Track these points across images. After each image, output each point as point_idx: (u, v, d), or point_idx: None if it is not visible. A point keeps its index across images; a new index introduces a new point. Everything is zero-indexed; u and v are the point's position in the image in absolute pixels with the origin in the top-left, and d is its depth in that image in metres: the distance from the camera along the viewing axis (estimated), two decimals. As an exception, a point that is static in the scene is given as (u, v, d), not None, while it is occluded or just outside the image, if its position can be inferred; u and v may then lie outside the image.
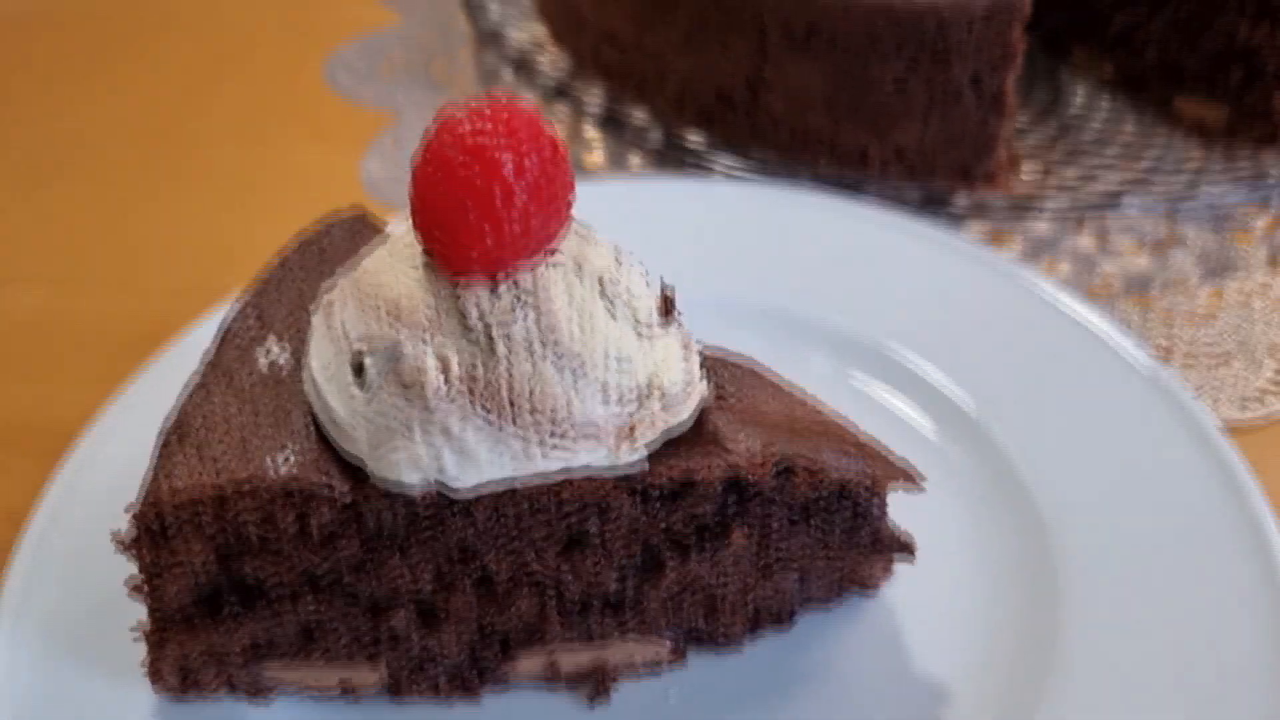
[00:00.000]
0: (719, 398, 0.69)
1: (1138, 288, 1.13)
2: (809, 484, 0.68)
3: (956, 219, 1.15)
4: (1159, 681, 0.74)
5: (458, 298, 0.61)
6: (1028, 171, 1.21)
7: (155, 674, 0.73)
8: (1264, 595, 0.77)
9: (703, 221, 1.06)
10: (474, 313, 0.61)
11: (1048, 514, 0.85)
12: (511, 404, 0.60)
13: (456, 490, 0.62)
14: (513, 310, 0.61)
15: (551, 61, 1.36)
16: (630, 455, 0.64)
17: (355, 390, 0.62)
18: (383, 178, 1.30)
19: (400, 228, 0.67)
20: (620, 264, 0.66)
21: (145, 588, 0.68)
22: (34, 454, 0.95)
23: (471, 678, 0.76)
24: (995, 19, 1.08)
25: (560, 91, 1.32)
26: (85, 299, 1.15)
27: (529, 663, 0.76)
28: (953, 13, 1.08)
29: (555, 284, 0.62)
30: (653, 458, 0.66)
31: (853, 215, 1.07)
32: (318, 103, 1.44)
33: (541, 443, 0.61)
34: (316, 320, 0.66)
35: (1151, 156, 1.23)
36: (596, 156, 1.28)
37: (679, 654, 0.78)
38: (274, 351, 0.71)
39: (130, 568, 0.71)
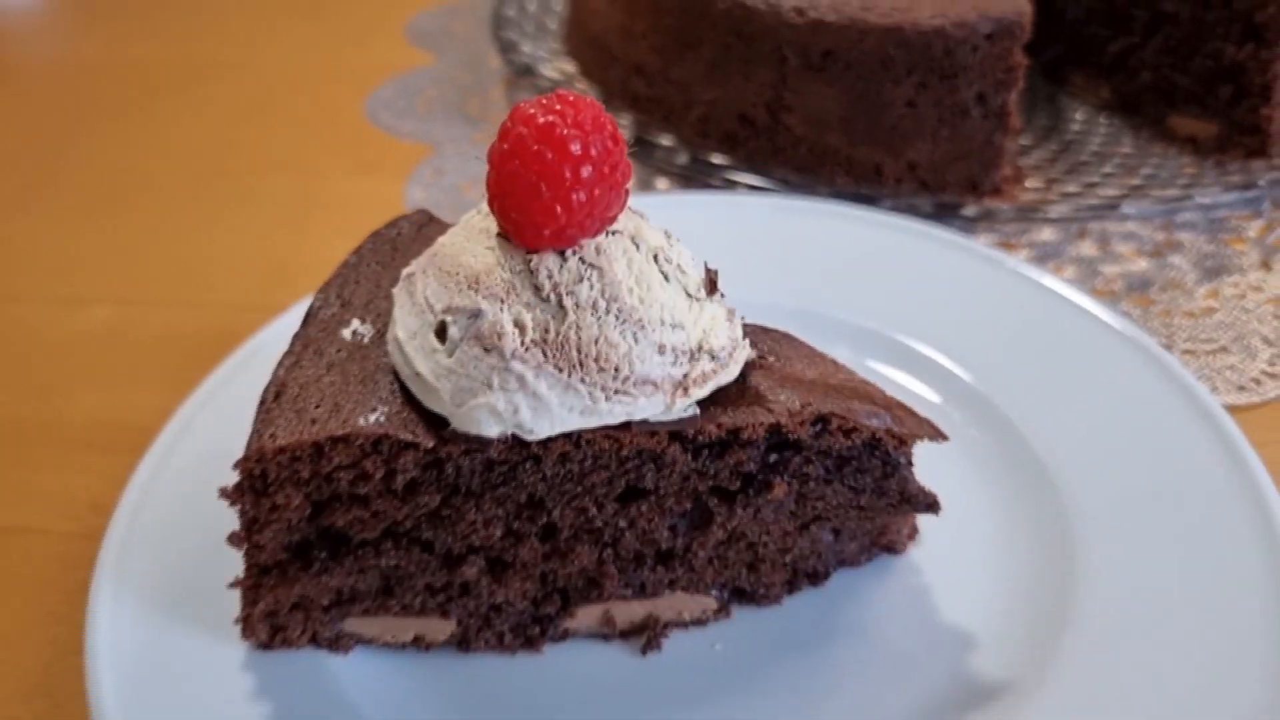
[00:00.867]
0: (760, 362, 0.77)
1: (1138, 288, 1.20)
2: (843, 436, 0.75)
3: (966, 228, 1.23)
4: (1167, 628, 0.80)
5: (530, 268, 0.69)
6: (1032, 185, 1.29)
7: (247, 627, 0.80)
8: (1262, 548, 0.83)
9: (732, 232, 1.14)
10: (545, 280, 0.68)
11: (1061, 481, 0.91)
12: (579, 359, 0.68)
13: (531, 434, 0.69)
14: (580, 277, 0.68)
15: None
16: (684, 407, 0.72)
17: (439, 352, 0.69)
18: (425, 202, 1.38)
19: (470, 215, 0.75)
20: (671, 242, 0.74)
21: (244, 538, 0.75)
22: (113, 451, 1.03)
23: (534, 631, 0.83)
24: (998, 41, 1.17)
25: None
26: (154, 315, 1.23)
27: (586, 616, 0.83)
28: (958, 36, 1.17)
29: (616, 254, 0.69)
30: (703, 413, 0.73)
31: (866, 222, 1.15)
32: (361, 137, 1.54)
33: (606, 394, 0.69)
34: (399, 295, 0.74)
35: (1148, 168, 1.31)
36: (626, 180, 1.36)
37: (724, 609, 0.85)
38: (357, 328, 0.78)
39: (216, 533, 0.79)
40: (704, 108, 1.32)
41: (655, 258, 0.71)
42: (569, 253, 0.69)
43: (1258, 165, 1.28)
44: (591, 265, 0.69)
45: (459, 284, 0.70)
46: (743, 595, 0.85)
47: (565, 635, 0.84)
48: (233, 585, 0.78)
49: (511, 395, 0.68)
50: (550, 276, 0.69)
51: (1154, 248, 1.25)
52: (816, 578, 0.87)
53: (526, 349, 0.68)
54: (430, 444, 0.71)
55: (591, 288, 0.68)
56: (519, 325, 0.68)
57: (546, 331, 0.68)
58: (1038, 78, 1.48)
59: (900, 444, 0.77)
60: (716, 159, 1.30)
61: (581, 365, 0.68)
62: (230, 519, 0.78)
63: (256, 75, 1.70)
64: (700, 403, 0.73)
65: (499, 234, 0.71)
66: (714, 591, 0.84)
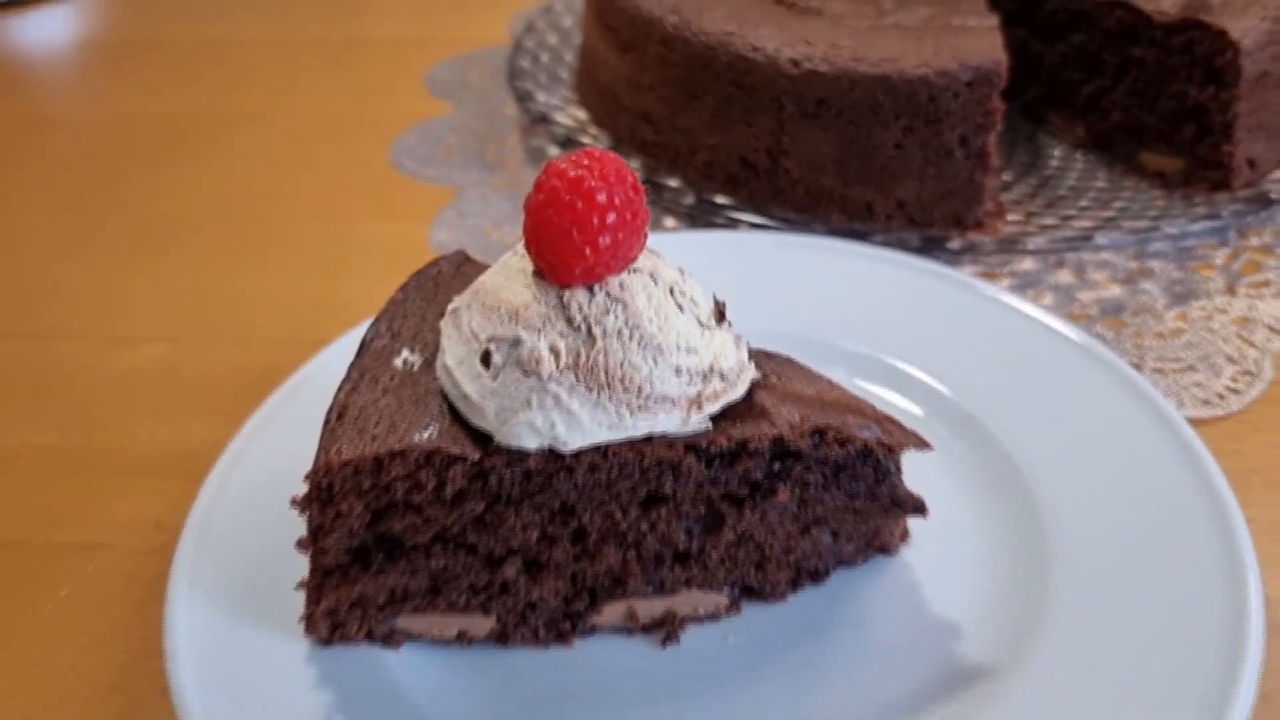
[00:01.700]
0: (764, 381, 0.87)
1: (1112, 312, 1.30)
2: (838, 446, 0.85)
3: (952, 260, 1.33)
4: (1132, 617, 0.89)
5: (563, 302, 0.79)
6: (1013, 219, 1.40)
7: (310, 625, 0.89)
8: (1221, 548, 0.92)
9: (736, 266, 1.24)
10: (576, 312, 0.79)
11: (1037, 487, 1.01)
12: (607, 380, 0.78)
13: (565, 447, 0.79)
14: (606, 309, 0.79)
15: (593, 140, 1.56)
16: (698, 421, 0.82)
17: (484, 376, 0.80)
18: (450, 243, 1.48)
19: (507, 256, 0.86)
20: (684, 277, 0.84)
21: (311, 543, 0.85)
22: (173, 476, 1.12)
23: (565, 626, 0.92)
24: (977, 88, 1.28)
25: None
26: (202, 352, 1.33)
27: (612, 612, 0.92)
28: (941, 84, 1.28)
29: (637, 289, 0.80)
30: (714, 427, 0.83)
31: (857, 255, 1.25)
32: (386, 182, 1.64)
33: (630, 410, 0.79)
34: (446, 326, 0.84)
35: (1121, 201, 1.42)
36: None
37: (735, 605, 0.95)
38: (407, 357, 0.89)
39: (276, 542, 0.89)
40: (708, 152, 1.43)
41: (671, 291, 0.82)
42: (596, 288, 0.79)
43: (1221, 197, 1.38)
44: (616, 299, 0.79)
45: (501, 317, 0.80)
46: (751, 592, 0.95)
47: (593, 630, 0.94)
48: (299, 587, 0.88)
49: (548, 413, 0.78)
50: (581, 309, 0.79)
51: (1127, 275, 1.35)
52: (818, 576, 0.96)
53: (561, 372, 0.78)
54: (476, 457, 0.81)
55: (616, 318, 0.79)
56: (554, 352, 0.78)
57: (578, 357, 0.78)
58: (1018, 118, 1.59)
59: (889, 452, 0.87)
60: (720, 199, 1.41)
61: (609, 386, 0.78)
62: (288, 529, 0.88)
63: (285, 125, 1.80)
64: (712, 418, 0.83)
65: (535, 273, 0.81)
66: (726, 589, 0.94)
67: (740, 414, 0.84)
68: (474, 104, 1.82)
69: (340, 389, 0.87)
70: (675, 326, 0.80)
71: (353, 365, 0.89)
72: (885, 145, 1.32)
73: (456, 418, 0.83)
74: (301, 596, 0.89)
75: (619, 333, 0.79)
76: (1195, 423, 1.14)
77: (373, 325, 0.93)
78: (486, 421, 0.80)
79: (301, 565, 0.89)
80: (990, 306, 1.18)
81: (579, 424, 0.79)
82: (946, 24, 1.35)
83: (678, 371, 0.80)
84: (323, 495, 0.82)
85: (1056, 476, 1.02)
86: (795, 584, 0.96)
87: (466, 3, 2.15)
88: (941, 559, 0.99)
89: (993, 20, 1.35)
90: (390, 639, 0.91)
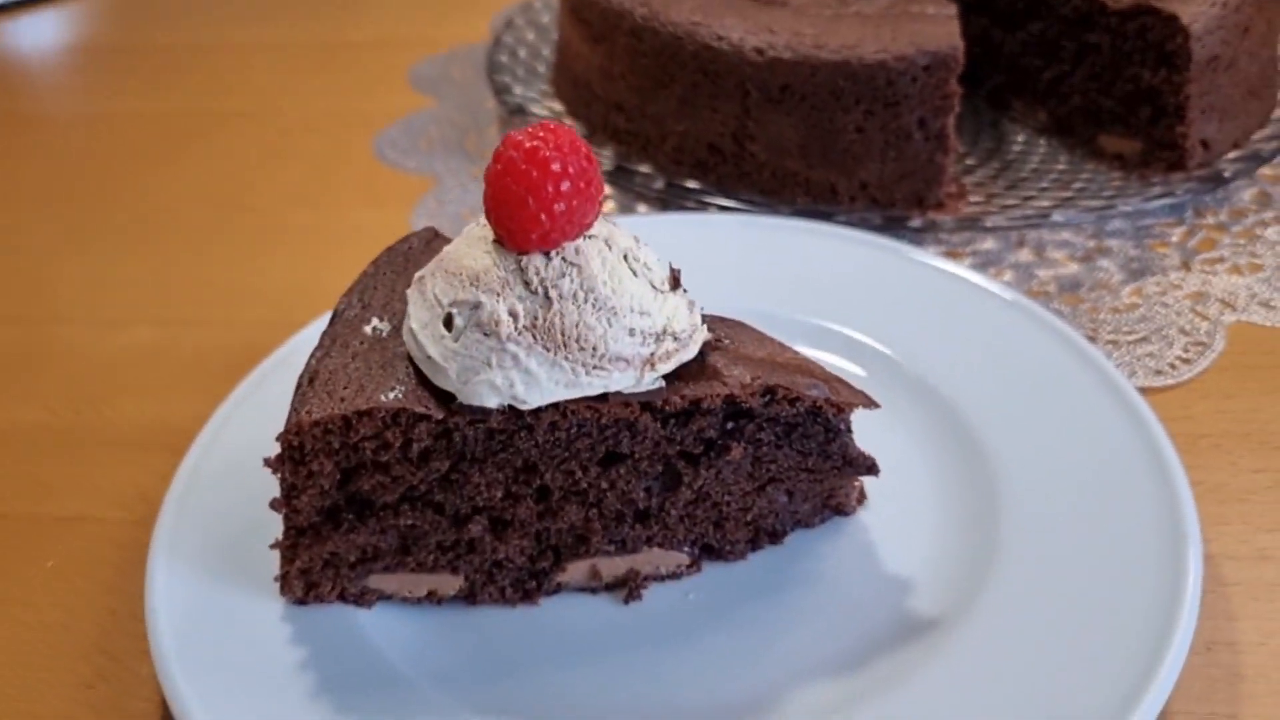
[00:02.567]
0: (716, 344, 0.91)
1: (1069, 289, 1.34)
2: (788, 405, 0.89)
3: (914, 239, 1.37)
4: (1078, 570, 0.92)
5: (521, 267, 0.83)
6: (974, 200, 1.44)
7: (285, 584, 0.93)
8: (1162, 505, 0.95)
9: (703, 246, 1.27)
10: (534, 276, 0.83)
11: (989, 450, 1.04)
12: (563, 340, 0.82)
13: (524, 404, 0.83)
14: (562, 273, 0.83)
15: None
16: (652, 380, 0.86)
17: (447, 338, 0.84)
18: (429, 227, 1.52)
19: (469, 227, 0.90)
20: (639, 245, 0.88)
21: (284, 503, 0.89)
22: (157, 450, 1.16)
23: (531, 585, 0.96)
24: (934, 72, 1.32)
25: (578, 152, 1.56)
26: (189, 333, 1.37)
27: (576, 570, 0.96)
28: (899, 69, 1.32)
29: (592, 254, 0.84)
30: (668, 385, 0.87)
31: (818, 233, 1.29)
32: (369, 173, 1.68)
33: (586, 369, 0.83)
34: (412, 294, 0.88)
35: (1080, 182, 1.46)
36: (608, 205, 1.51)
37: (695, 564, 0.99)
38: (376, 324, 0.93)
39: (254, 508, 0.93)
40: (677, 139, 1.47)
41: (625, 257, 0.85)
42: (553, 254, 0.83)
43: (1177, 177, 1.42)
44: (572, 263, 0.83)
45: (462, 282, 0.84)
46: (711, 551, 0.99)
47: (558, 588, 0.97)
48: (273, 546, 0.92)
49: (508, 372, 0.82)
50: (538, 273, 0.83)
51: (1085, 253, 1.39)
52: (776, 536, 1.00)
53: (519, 333, 0.82)
54: (440, 416, 0.84)
55: (572, 281, 0.83)
56: (512, 314, 0.82)
57: (535, 319, 0.82)
58: (981, 104, 1.63)
59: (838, 411, 0.91)
60: (690, 184, 1.45)
61: (565, 346, 0.82)
62: (265, 496, 0.91)
63: (272, 123, 1.83)
64: (666, 377, 0.87)
65: (494, 240, 0.85)
66: (686, 548, 0.98)
67: (694, 374, 0.88)
68: (455, 98, 1.86)
69: (313, 355, 0.91)
70: (629, 290, 0.84)
71: (325, 333, 0.93)
72: (847, 129, 1.36)
73: (422, 380, 0.86)
74: (277, 558, 0.93)
75: (574, 295, 0.82)
76: (1147, 391, 1.18)
77: (345, 297, 0.97)
78: (449, 382, 0.84)
79: (278, 529, 0.92)
80: (944, 279, 1.21)
81: (537, 382, 0.83)
82: (905, 11, 1.39)
83: (631, 332, 0.84)
84: (294, 455, 0.86)
85: (1007, 438, 1.05)
86: (754, 544, 1.00)
87: (448, 3, 2.19)
88: (897, 519, 1.03)
89: (951, 8, 1.39)
90: (363, 598, 0.95)
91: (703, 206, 1.42)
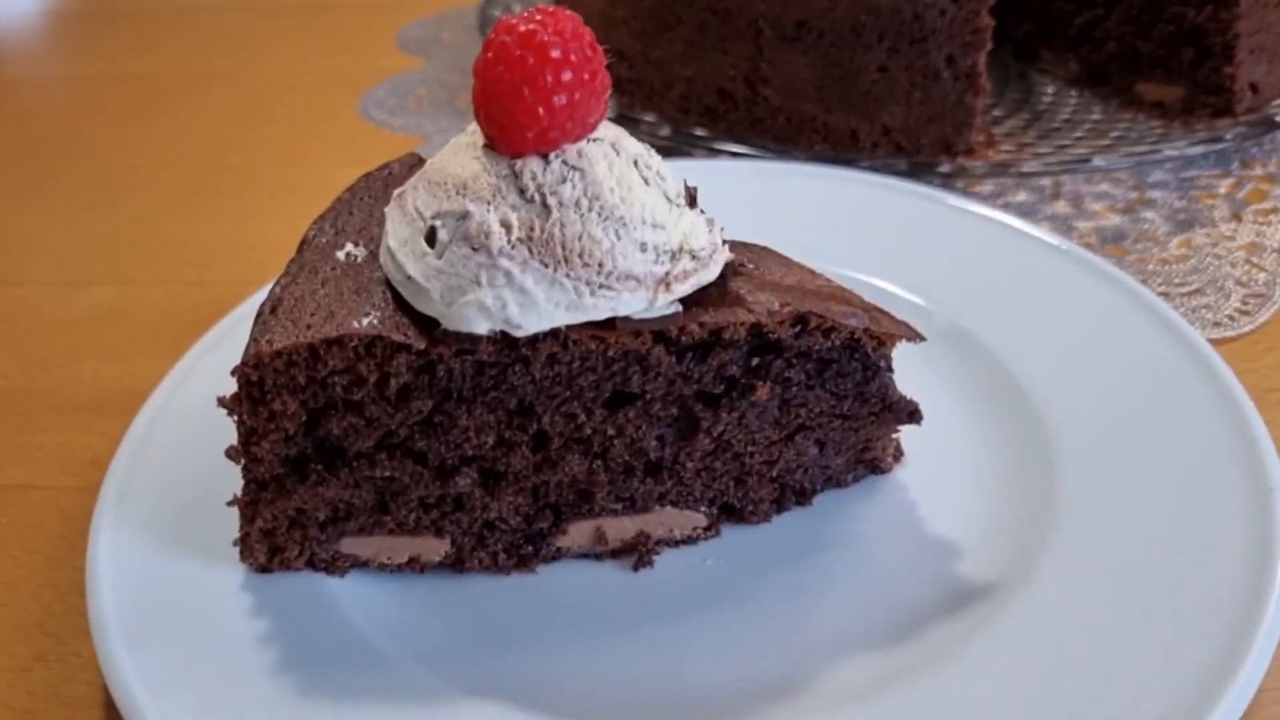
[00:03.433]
0: (739, 268, 0.80)
1: (1112, 240, 1.23)
2: (822, 336, 0.78)
3: (942, 186, 1.26)
4: (1149, 535, 0.81)
5: (515, 171, 0.72)
6: (1005, 150, 1.33)
7: (245, 548, 0.81)
8: (1242, 460, 0.85)
9: (713, 194, 1.17)
10: (530, 181, 0.71)
11: (1038, 399, 0.94)
12: (564, 254, 0.71)
13: (519, 330, 0.72)
14: (563, 178, 0.72)
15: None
16: (666, 303, 0.74)
17: (429, 255, 0.72)
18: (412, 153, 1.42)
19: (457, 136, 0.79)
20: (650, 154, 0.77)
21: (242, 451, 0.77)
22: (115, 413, 1.05)
23: (527, 550, 0.85)
24: (965, 4, 1.22)
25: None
26: (155, 293, 1.27)
27: (579, 533, 0.85)
28: (926, 1, 1.21)
29: (597, 157, 0.73)
30: (685, 313, 0.76)
31: (838, 179, 1.19)
32: (353, 133, 1.58)
33: (591, 288, 0.71)
34: (391, 210, 0.77)
35: (1118, 132, 1.35)
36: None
37: (714, 526, 0.87)
38: (350, 250, 0.81)
39: (213, 469, 0.82)
40: (684, 85, 1.36)
41: (635, 163, 0.74)
42: (552, 156, 0.72)
43: (1223, 123, 1.31)
44: (574, 167, 0.72)
45: (447, 191, 0.73)
46: (731, 512, 0.87)
47: (558, 554, 0.86)
48: (231, 503, 0.80)
49: (499, 291, 0.71)
50: (534, 178, 0.72)
51: (1126, 205, 1.29)
52: (803, 495, 0.89)
53: (513, 246, 0.71)
54: (422, 345, 0.73)
55: (574, 187, 0.71)
56: (505, 224, 0.71)
57: (532, 229, 0.71)
58: (1008, 56, 1.53)
59: (879, 344, 0.80)
60: (698, 132, 1.34)
61: (566, 261, 0.71)
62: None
63: (252, 83, 1.74)
64: (682, 303, 0.76)
65: (484, 145, 0.74)
66: (703, 508, 0.86)
67: (714, 301, 0.77)
68: (445, 58, 1.77)
69: (276, 283, 0.79)
70: (640, 199, 0.73)
71: (292, 261, 0.82)
72: (868, 68, 1.25)
73: (401, 305, 0.75)
74: (236, 518, 0.81)
75: (577, 203, 0.71)
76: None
77: (315, 223, 0.85)
78: (432, 305, 0.73)
79: (239, 486, 0.81)
80: (979, 224, 1.11)
81: (534, 304, 0.71)
82: (932, -60, 1.28)
83: (643, 247, 0.72)
84: (253, 392, 0.74)
85: (1059, 392, 0.95)
86: (779, 504, 0.88)
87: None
88: (938, 478, 0.92)
89: (980, -62, 1.28)
90: (334, 565, 0.84)
91: (713, 155, 1.31)
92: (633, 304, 0.73)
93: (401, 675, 0.78)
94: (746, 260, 0.80)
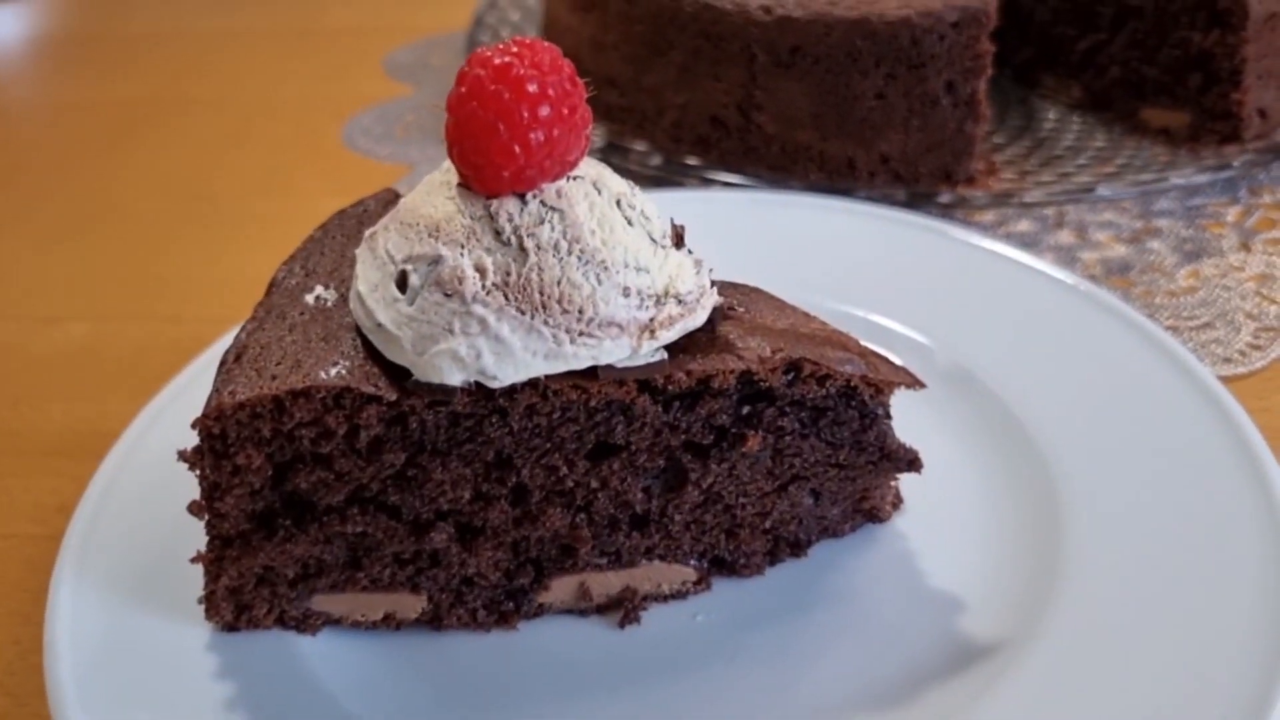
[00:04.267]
0: (729, 311, 0.76)
1: (1118, 272, 1.20)
2: (816, 384, 0.74)
3: (941, 217, 1.22)
4: (1162, 584, 0.78)
5: (490, 212, 0.68)
6: (1006, 178, 1.29)
7: (211, 607, 0.77)
8: (1257, 507, 0.81)
9: (707, 225, 1.12)
10: (506, 223, 0.68)
11: (1044, 444, 0.90)
12: (542, 300, 0.67)
13: (495, 381, 0.68)
14: (540, 219, 0.68)
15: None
16: (651, 350, 0.70)
17: (401, 301, 0.68)
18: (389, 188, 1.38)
19: (431, 174, 0.75)
20: (634, 191, 0.73)
21: (205, 507, 0.73)
22: (83, 457, 1.00)
23: (508, 606, 0.81)
24: (964, 29, 1.18)
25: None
26: (130, 329, 1.23)
27: (561, 588, 0.81)
28: (925, 26, 1.18)
29: (577, 197, 0.69)
30: (671, 360, 0.72)
31: (836, 210, 1.15)
32: (338, 161, 1.55)
33: (570, 336, 0.67)
34: (361, 253, 0.73)
35: (1122, 159, 1.31)
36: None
37: (704, 580, 0.83)
38: (320, 293, 0.77)
39: (180, 524, 0.77)
40: (676, 112, 1.33)
41: (618, 203, 0.71)
42: (529, 196, 0.68)
43: (1231, 150, 1.28)
44: (552, 208, 0.68)
45: (419, 233, 0.69)
46: (722, 565, 0.83)
47: (540, 611, 0.82)
48: (195, 560, 0.76)
49: (474, 340, 0.67)
50: (511, 220, 0.68)
51: (1132, 235, 1.25)
52: (798, 547, 0.85)
53: (488, 292, 0.67)
54: (393, 396, 0.69)
55: (553, 229, 0.68)
56: (480, 269, 0.67)
57: (508, 274, 0.67)
58: (1009, 81, 1.49)
59: (877, 392, 0.76)
60: (691, 161, 1.30)
61: (544, 307, 0.67)
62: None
63: (236, 110, 1.71)
64: (668, 350, 0.72)
65: (459, 184, 0.70)
66: (693, 561, 0.82)
67: (702, 347, 0.73)
68: (434, 85, 1.73)
69: (242, 329, 0.75)
70: (622, 241, 0.69)
71: (259, 304, 0.78)
72: (865, 95, 1.22)
73: (372, 354, 0.71)
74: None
75: (556, 246, 0.67)
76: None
77: (285, 264, 0.82)
78: (404, 354, 0.69)
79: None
80: (983, 258, 1.07)
81: (510, 353, 0.67)
82: (930, -37, 1.25)
83: (625, 292, 0.68)
84: (216, 445, 0.70)
85: (1066, 435, 0.91)
86: (773, 556, 0.84)
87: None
88: (939, 527, 0.88)
89: (979, -38, 1.25)
90: (305, 624, 0.79)
91: (705, 185, 1.27)
92: (615, 352, 0.69)
93: (373, 741, 0.74)
94: (736, 303, 0.76)
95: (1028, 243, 1.24)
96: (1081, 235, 1.25)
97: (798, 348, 0.73)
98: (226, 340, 1.01)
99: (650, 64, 1.33)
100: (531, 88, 0.66)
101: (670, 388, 0.72)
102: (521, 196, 0.68)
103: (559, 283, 0.67)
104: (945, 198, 1.23)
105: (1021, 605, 0.80)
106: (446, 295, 0.67)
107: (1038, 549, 0.84)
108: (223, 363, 0.72)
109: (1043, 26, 1.45)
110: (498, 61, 0.66)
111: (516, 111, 0.65)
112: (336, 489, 0.73)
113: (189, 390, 0.97)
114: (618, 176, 0.74)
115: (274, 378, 0.70)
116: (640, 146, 1.35)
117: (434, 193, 0.71)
